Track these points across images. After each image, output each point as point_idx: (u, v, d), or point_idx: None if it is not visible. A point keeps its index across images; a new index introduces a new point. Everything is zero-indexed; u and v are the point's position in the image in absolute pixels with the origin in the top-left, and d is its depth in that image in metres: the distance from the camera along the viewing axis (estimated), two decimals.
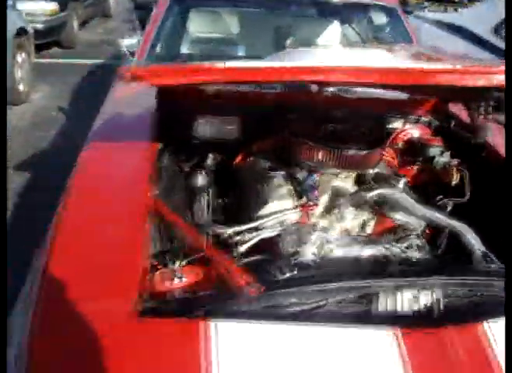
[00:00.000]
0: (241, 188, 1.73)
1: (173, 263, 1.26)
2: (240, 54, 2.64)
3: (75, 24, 6.79)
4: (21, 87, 4.63)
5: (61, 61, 6.20)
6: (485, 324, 1.06)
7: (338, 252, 1.49)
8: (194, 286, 1.21)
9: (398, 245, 1.52)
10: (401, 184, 1.69)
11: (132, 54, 2.50)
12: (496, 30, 4.34)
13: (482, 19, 4.41)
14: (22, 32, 4.54)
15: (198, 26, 2.70)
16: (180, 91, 1.86)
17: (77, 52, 6.68)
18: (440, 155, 1.88)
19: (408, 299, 1.21)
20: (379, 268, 1.39)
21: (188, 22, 2.66)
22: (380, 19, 2.86)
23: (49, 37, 5.99)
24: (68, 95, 4.93)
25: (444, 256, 1.55)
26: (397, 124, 2.10)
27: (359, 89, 1.94)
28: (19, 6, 4.94)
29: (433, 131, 2.06)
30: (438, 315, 1.15)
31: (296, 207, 1.55)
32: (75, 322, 0.97)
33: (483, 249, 1.47)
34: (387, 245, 1.52)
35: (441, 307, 1.16)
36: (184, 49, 2.51)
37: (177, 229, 1.36)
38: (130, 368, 0.92)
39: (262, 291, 1.11)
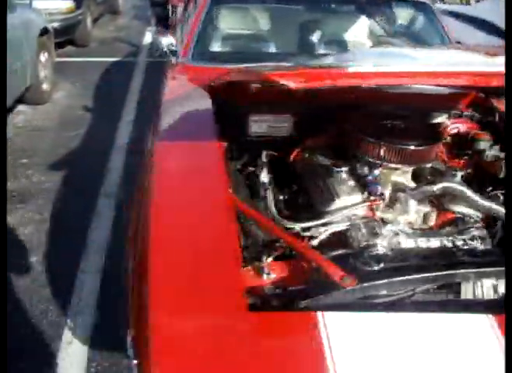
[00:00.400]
0: (303, 183, 1.78)
1: (260, 259, 1.32)
2: (273, 49, 2.68)
3: (89, 22, 6.81)
4: (44, 86, 4.68)
5: (77, 59, 6.24)
6: None
7: (406, 244, 1.54)
8: (283, 281, 1.27)
9: (461, 236, 1.58)
10: (458, 177, 1.75)
11: (172, 52, 2.54)
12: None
13: (497, 11, 4.44)
14: (44, 31, 4.57)
15: (233, 23, 2.74)
16: (234, 90, 1.92)
17: (91, 50, 6.70)
18: (489, 148, 1.93)
19: (487, 287, 1.28)
20: (450, 259, 1.44)
21: (224, 19, 2.70)
22: (410, 14, 2.90)
23: (65, 36, 6.02)
24: (90, 94, 4.97)
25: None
26: (442, 119, 2.15)
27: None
28: (36, 4, 4.95)
29: (477, 125, 2.11)
30: None
31: (363, 201, 1.60)
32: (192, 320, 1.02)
33: None
34: (451, 237, 1.58)
35: None
36: (225, 47, 2.55)
37: (258, 225, 1.42)
38: (251, 359, 0.98)
39: (357, 283, 1.17)
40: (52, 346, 1.97)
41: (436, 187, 1.65)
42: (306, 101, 1.90)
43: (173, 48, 2.49)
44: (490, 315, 1.11)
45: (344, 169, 1.72)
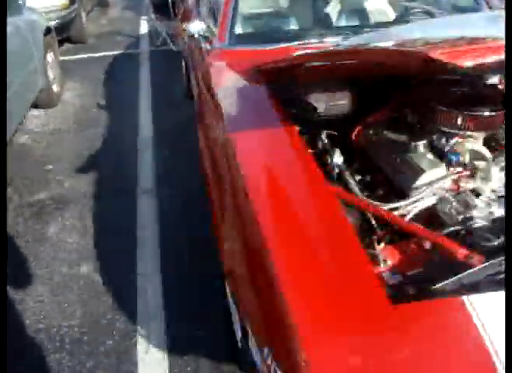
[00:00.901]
0: (376, 162, 1.72)
1: (372, 246, 1.27)
2: (302, 26, 2.58)
3: (84, 17, 6.63)
4: (55, 88, 4.56)
5: (77, 56, 6.09)
6: None
7: (498, 213, 1.49)
8: (400, 266, 1.22)
9: None
10: None
11: (206, 38, 2.44)
12: None
13: None
14: (47, 31, 4.44)
15: (258, 3, 2.65)
16: (289, 73, 1.85)
17: (90, 46, 6.54)
18: None
19: None
20: None
21: (250, 1, 2.60)
22: None
23: (64, 33, 5.86)
24: (100, 91, 4.85)
25: None
26: (494, 80, 2.08)
27: None
28: (30, 3, 4.76)
29: None
30: None
31: (451, 173, 1.55)
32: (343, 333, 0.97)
33: None
34: None
35: None
36: (257, 28, 2.46)
37: (361, 210, 1.37)
38: (414, 357, 0.93)
39: (484, 260, 1.12)
40: (128, 359, 1.92)
41: None
42: (360, 76, 1.83)
43: (206, 34, 2.39)
44: None
45: (422, 142, 1.66)
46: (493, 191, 1.60)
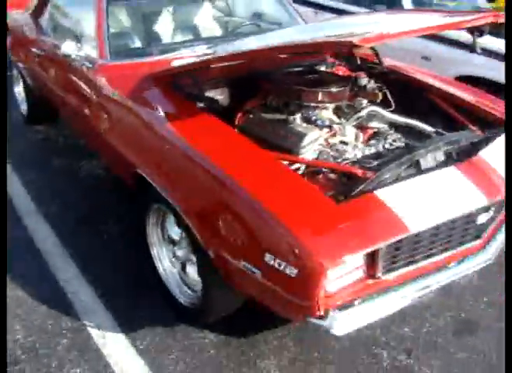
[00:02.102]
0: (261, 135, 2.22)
1: None
2: (164, 40, 2.97)
3: None
4: None
5: None
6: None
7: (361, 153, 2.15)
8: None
9: (385, 144, 2.26)
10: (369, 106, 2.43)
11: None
12: None
13: None
14: None
15: (124, 21, 2.96)
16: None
17: None
18: (368, 82, 2.64)
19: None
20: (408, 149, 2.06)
21: (118, 18, 2.90)
22: None
23: None
24: None
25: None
26: (324, 68, 2.82)
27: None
28: None
29: (352, 68, 2.83)
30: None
31: (323, 133, 2.16)
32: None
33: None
34: (381, 144, 2.24)
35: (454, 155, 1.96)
36: (129, 43, 2.79)
37: None
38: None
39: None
40: (89, 347, 2.09)
41: (364, 112, 2.31)
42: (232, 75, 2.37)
43: (80, 53, 2.61)
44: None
45: (298, 115, 2.25)
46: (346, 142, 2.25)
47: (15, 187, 3.33)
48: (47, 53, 3.26)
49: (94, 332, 2.17)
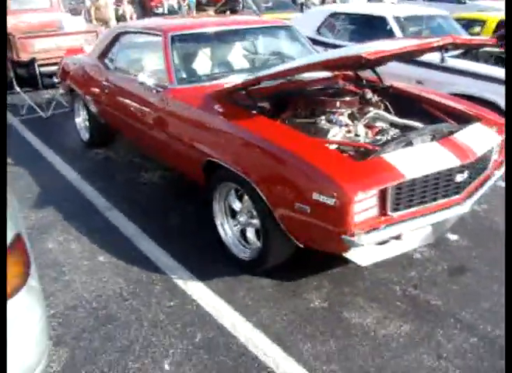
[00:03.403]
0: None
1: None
2: (220, 70, 3.87)
3: None
4: None
5: None
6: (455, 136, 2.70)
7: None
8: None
9: (387, 136, 3.06)
10: (378, 110, 3.26)
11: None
12: (318, 31, 6.32)
13: (306, 24, 6.33)
14: None
15: (188, 54, 3.85)
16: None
17: None
18: (372, 96, 3.49)
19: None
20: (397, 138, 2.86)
21: (183, 52, 3.78)
22: (281, 35, 4.39)
23: None
24: None
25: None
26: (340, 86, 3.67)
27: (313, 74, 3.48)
28: None
29: (360, 87, 3.67)
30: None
31: (343, 130, 2.97)
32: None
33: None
34: (385, 137, 3.05)
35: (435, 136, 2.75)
36: (192, 71, 3.67)
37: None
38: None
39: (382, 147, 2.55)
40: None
41: (371, 114, 3.14)
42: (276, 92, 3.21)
43: (152, 81, 3.48)
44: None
45: (322, 118, 3.07)
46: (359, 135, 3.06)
47: (89, 190, 4.14)
48: (117, 85, 4.14)
49: (178, 281, 2.90)
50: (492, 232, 3.44)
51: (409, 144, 2.69)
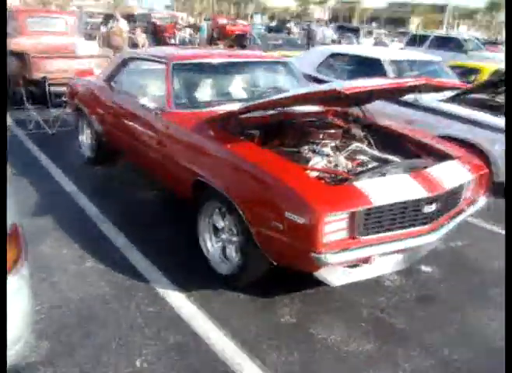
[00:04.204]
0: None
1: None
2: (218, 97, 4.14)
3: None
4: None
5: None
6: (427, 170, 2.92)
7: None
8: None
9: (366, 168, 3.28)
10: (360, 143, 3.50)
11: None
12: (318, 69, 6.67)
13: (307, 62, 6.68)
14: None
15: (188, 80, 4.12)
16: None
17: None
18: (357, 130, 3.73)
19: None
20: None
21: (183, 78, 4.05)
22: (277, 69, 4.69)
23: None
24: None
25: None
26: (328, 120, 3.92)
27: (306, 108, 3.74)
28: None
29: (346, 122, 3.93)
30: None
31: (324, 160, 3.20)
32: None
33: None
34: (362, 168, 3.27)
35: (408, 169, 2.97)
36: (189, 97, 3.94)
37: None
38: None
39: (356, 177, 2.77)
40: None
41: (352, 147, 3.38)
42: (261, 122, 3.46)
43: (153, 104, 3.74)
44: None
45: (306, 147, 3.30)
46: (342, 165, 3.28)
47: (86, 202, 4.34)
48: (120, 106, 4.42)
49: (159, 290, 3.07)
50: (465, 268, 3.61)
51: (383, 175, 2.91)
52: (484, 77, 8.31)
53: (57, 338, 2.55)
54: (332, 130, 3.43)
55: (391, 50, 7.05)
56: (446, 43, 16.56)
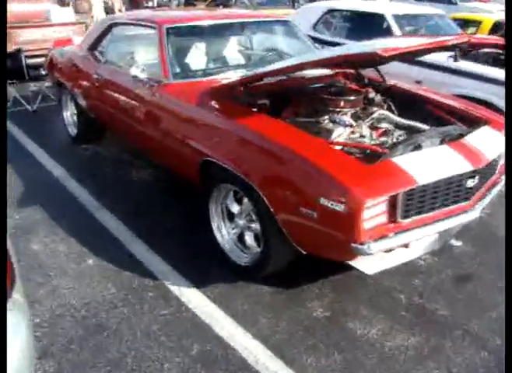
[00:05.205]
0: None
1: None
2: (217, 64, 3.70)
3: None
4: None
5: None
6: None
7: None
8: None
9: (393, 138, 2.94)
10: (379, 110, 3.12)
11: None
12: (314, 27, 6.18)
13: (301, 21, 6.18)
14: None
15: (184, 47, 3.67)
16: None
17: None
18: (375, 95, 3.35)
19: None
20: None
21: (178, 45, 3.59)
22: (279, 30, 4.23)
23: None
24: None
25: None
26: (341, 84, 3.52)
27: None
28: None
29: (361, 86, 3.54)
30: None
31: (347, 130, 2.84)
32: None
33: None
34: (390, 138, 2.92)
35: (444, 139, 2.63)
36: (188, 65, 3.50)
37: None
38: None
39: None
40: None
41: (375, 115, 3.01)
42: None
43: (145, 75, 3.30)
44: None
45: (326, 117, 2.93)
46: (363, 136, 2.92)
47: (77, 188, 3.94)
48: (107, 78, 3.95)
49: (171, 287, 2.74)
50: (495, 238, 3.34)
51: (418, 147, 2.57)
52: (485, 29, 7.89)
53: (64, 356, 2.22)
54: (352, 97, 3.03)
55: (393, 4, 6.56)
56: None
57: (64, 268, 2.89)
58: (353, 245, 2.15)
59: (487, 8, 13.10)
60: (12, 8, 8.04)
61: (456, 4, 15.05)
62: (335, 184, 2.13)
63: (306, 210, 2.23)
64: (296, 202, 2.29)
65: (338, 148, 2.59)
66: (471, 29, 8.40)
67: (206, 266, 2.93)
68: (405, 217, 2.31)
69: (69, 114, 5.06)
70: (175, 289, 2.73)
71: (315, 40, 5.88)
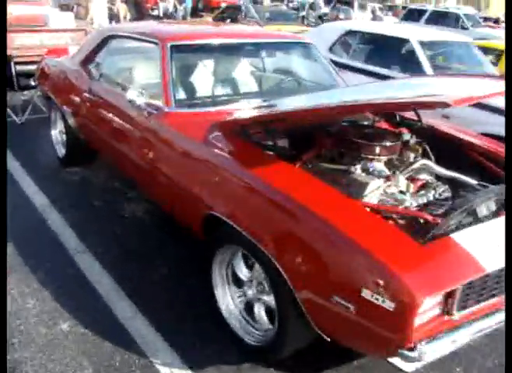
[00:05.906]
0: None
1: None
2: (226, 92, 3.21)
3: None
4: None
5: None
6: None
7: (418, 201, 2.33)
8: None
9: (435, 194, 2.44)
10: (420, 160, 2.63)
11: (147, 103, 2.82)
12: (331, 49, 5.74)
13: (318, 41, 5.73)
14: None
15: (190, 73, 3.18)
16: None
17: None
18: (410, 138, 2.86)
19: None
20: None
21: (185, 70, 3.12)
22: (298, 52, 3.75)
23: None
24: None
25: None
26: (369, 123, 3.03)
27: None
28: None
29: (393, 125, 3.05)
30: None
31: (383, 183, 2.34)
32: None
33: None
34: (431, 193, 2.43)
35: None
36: (193, 93, 3.02)
37: None
38: None
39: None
40: None
41: (416, 165, 2.52)
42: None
43: (145, 100, 2.81)
44: None
45: (358, 166, 2.44)
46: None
47: (59, 222, 3.44)
48: (101, 97, 3.45)
49: (162, 369, 2.22)
50: None
51: (473, 214, 2.08)
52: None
53: None
54: (389, 143, 2.54)
55: (418, 29, 6.14)
56: (444, 19, 15.67)
57: (31, 334, 2.37)
58: (402, 351, 1.65)
59: (495, 34, 12.79)
60: (10, 10, 7.59)
61: (467, 29, 14.80)
62: (384, 274, 1.63)
63: (339, 299, 1.73)
64: (325, 285, 1.79)
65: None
66: (490, 57, 8.01)
67: (206, 340, 2.39)
68: (463, 308, 1.82)
69: (58, 132, 4.55)
70: (166, 371, 2.21)
71: (332, 62, 5.48)
